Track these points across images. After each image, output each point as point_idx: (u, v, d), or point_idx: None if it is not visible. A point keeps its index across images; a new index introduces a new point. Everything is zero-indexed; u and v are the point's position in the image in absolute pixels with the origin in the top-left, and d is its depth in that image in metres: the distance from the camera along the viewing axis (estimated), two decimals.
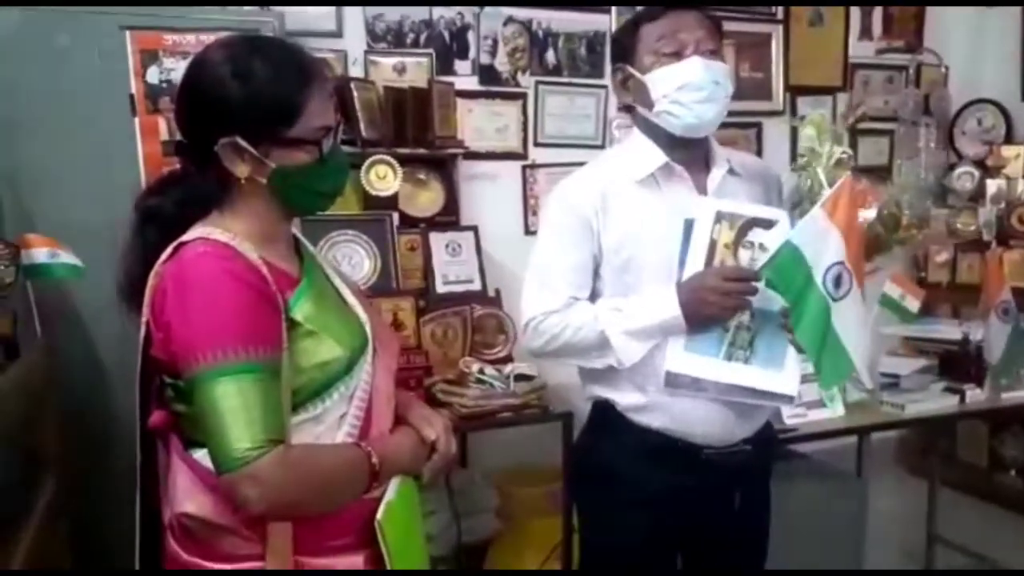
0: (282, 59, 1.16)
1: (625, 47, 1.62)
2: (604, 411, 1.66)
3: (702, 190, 1.60)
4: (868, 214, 1.55)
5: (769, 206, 1.60)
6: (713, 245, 1.52)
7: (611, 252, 1.59)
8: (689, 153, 1.61)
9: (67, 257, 2.09)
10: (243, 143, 1.14)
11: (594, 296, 1.62)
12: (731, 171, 1.64)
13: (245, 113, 1.13)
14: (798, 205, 1.55)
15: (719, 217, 1.52)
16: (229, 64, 1.14)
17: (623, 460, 1.63)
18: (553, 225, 1.64)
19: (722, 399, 1.55)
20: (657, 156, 1.59)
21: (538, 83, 3.42)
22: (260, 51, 1.16)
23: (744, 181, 1.66)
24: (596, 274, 1.62)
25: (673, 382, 1.54)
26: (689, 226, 1.53)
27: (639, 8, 1.65)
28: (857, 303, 1.52)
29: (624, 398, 1.62)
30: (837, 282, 1.45)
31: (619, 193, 1.59)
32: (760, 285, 1.49)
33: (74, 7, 2.40)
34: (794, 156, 2.56)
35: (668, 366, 1.53)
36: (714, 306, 1.48)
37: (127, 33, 2.46)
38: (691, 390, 1.54)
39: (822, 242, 1.45)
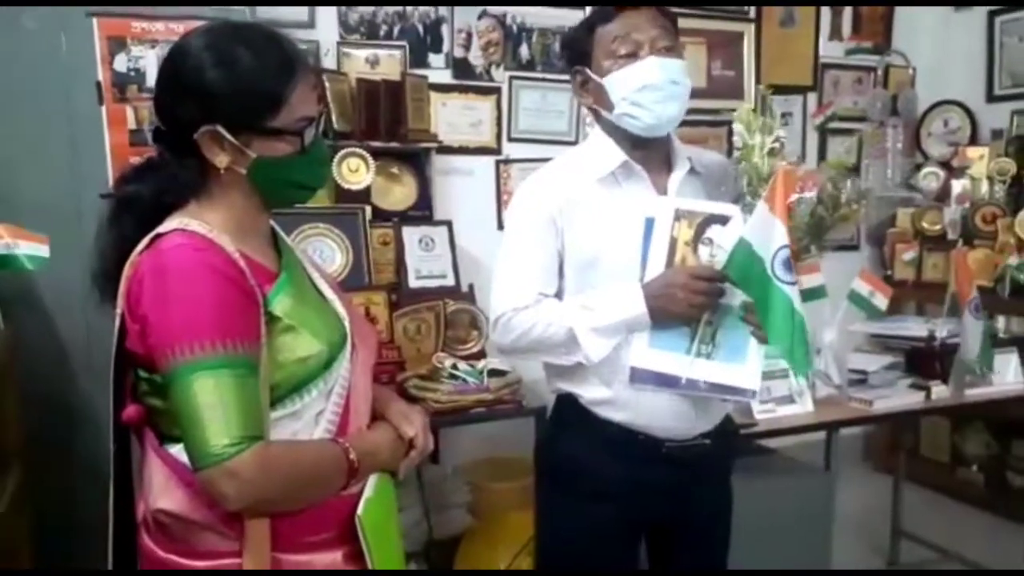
0: (266, 47, 1.13)
1: (581, 50, 1.61)
2: (568, 404, 1.66)
3: (661, 189, 1.61)
4: (809, 197, 1.57)
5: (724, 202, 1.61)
6: (673, 243, 1.53)
7: (573, 250, 1.59)
8: (650, 152, 1.62)
9: (27, 247, 2.04)
10: (224, 132, 1.12)
11: (558, 294, 1.63)
12: (692, 170, 1.65)
13: (227, 102, 1.11)
14: (740, 199, 1.56)
15: (678, 215, 1.53)
16: (212, 51, 1.11)
17: (585, 453, 1.63)
18: (519, 224, 1.64)
19: (683, 394, 1.56)
20: (616, 155, 1.60)
21: (512, 78, 3.42)
22: (244, 39, 1.13)
23: (704, 179, 1.67)
24: (560, 272, 1.62)
25: (638, 378, 1.54)
26: (650, 224, 1.54)
27: (591, 9, 1.65)
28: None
29: (589, 392, 1.62)
30: (787, 266, 1.45)
31: (581, 192, 1.59)
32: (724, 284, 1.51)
33: None
34: None
35: (632, 362, 1.54)
36: (682, 304, 1.50)
37: (94, 20, 2.41)
38: (656, 386, 1.55)
39: (767, 233, 1.47)
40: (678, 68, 1.56)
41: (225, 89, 1.11)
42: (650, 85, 1.53)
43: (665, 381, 1.54)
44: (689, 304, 1.50)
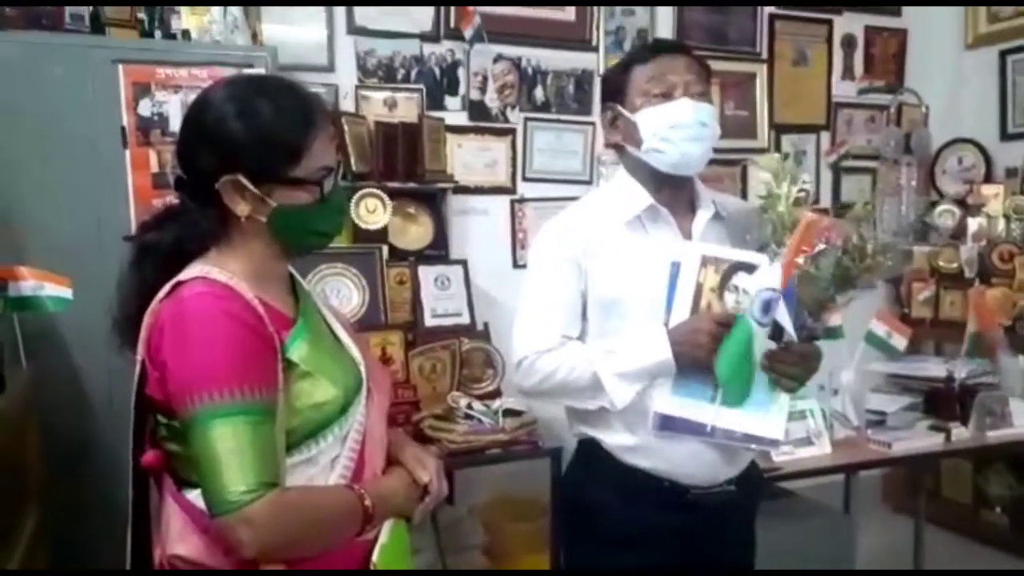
0: (286, 99, 1.17)
1: (615, 87, 1.65)
2: (590, 449, 1.65)
3: (687, 234, 1.62)
4: (834, 246, 1.56)
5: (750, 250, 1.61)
6: (699, 289, 1.53)
7: (597, 292, 1.60)
8: (674, 195, 1.63)
9: (52, 290, 2.08)
10: (245, 182, 1.14)
11: (581, 336, 1.63)
12: (717, 215, 1.66)
13: (248, 152, 1.13)
14: (764, 248, 1.57)
15: (704, 261, 1.53)
16: (233, 103, 1.15)
17: (609, 498, 1.62)
18: (543, 264, 1.65)
19: (710, 442, 1.56)
20: (643, 198, 1.61)
21: (527, 119, 3.46)
22: (264, 91, 1.17)
23: (728, 224, 1.67)
24: (583, 314, 1.63)
25: (663, 425, 1.54)
26: (675, 269, 1.54)
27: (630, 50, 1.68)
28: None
29: (612, 438, 1.61)
30: (766, 308, 1.45)
31: (606, 234, 1.60)
32: None
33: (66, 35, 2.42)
34: None
35: (656, 408, 1.53)
36: (707, 350, 1.48)
37: (120, 67, 2.47)
38: (680, 433, 1.54)
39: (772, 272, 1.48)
40: (708, 112, 1.59)
41: (246, 140, 1.13)
42: (680, 124, 1.56)
43: (691, 429, 1.53)
44: (713, 350, 1.48)
